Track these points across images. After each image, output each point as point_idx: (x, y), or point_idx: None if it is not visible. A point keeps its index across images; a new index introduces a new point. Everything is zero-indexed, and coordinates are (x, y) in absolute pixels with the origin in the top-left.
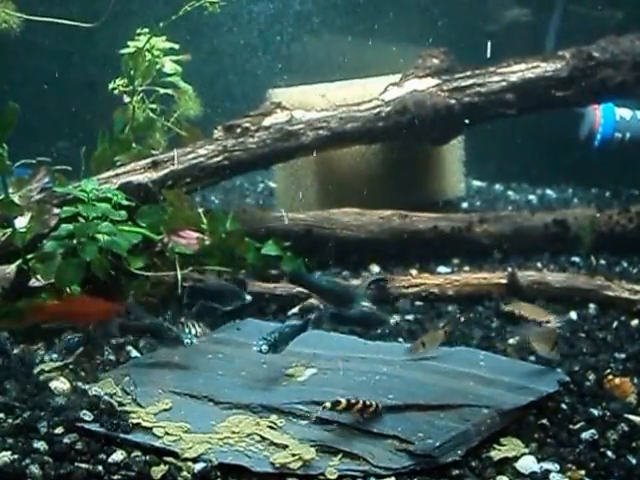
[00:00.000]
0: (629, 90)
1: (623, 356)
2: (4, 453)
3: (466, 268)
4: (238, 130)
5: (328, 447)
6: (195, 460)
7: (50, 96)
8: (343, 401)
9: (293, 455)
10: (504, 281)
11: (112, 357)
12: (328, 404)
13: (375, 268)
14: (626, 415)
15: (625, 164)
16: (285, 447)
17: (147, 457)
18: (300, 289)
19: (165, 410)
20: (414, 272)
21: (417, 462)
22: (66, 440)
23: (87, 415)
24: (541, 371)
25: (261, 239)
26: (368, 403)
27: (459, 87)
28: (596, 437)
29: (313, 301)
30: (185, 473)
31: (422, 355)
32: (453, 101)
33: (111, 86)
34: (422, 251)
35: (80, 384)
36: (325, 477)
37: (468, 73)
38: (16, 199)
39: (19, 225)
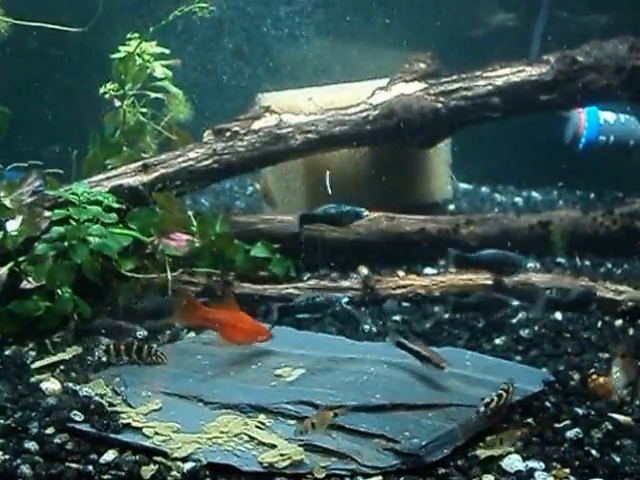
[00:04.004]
0: (613, 94)
1: (607, 356)
2: None
3: (452, 269)
4: (227, 134)
5: (316, 446)
6: (184, 460)
7: (42, 100)
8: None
9: (281, 454)
10: (490, 282)
11: (103, 358)
12: (495, 396)
13: (363, 269)
14: (610, 414)
15: (609, 167)
16: (273, 446)
17: (137, 457)
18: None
19: (155, 410)
20: (401, 273)
21: (404, 461)
22: (57, 440)
23: (78, 415)
24: (526, 371)
25: (250, 241)
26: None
27: (446, 91)
28: (581, 436)
29: None
30: (174, 473)
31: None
32: (440, 105)
33: (102, 90)
34: (409, 253)
35: (71, 385)
36: (313, 476)
37: (454, 77)
38: (7, 202)
39: (11, 228)
